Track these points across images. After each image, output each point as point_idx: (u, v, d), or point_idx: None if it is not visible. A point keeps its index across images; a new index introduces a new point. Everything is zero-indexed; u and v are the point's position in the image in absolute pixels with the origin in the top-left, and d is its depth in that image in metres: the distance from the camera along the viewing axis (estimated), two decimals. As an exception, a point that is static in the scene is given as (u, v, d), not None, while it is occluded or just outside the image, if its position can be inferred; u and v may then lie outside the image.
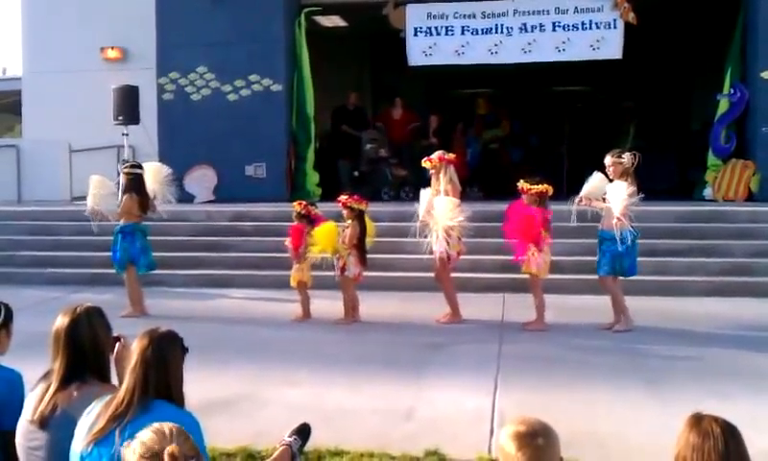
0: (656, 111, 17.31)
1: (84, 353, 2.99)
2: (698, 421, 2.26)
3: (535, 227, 7.60)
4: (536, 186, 7.71)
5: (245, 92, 13.71)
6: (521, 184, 7.78)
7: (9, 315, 3.35)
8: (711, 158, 12.98)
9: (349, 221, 8.02)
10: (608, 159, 7.62)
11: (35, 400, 2.93)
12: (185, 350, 2.90)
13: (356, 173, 14.36)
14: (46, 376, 3.02)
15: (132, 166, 9.08)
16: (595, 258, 7.85)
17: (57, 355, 3.00)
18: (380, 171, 14.23)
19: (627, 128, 15.62)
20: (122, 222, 8.79)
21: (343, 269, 7.99)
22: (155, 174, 9.33)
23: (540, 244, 7.67)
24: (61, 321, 3.04)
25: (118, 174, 12.93)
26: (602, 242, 7.62)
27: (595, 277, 7.86)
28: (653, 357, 6.82)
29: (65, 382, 2.93)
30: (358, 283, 8.20)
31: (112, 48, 16.41)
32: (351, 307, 8.12)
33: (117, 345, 3.15)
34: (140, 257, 8.71)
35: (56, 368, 2.98)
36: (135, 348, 2.78)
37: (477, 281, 9.59)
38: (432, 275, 8.29)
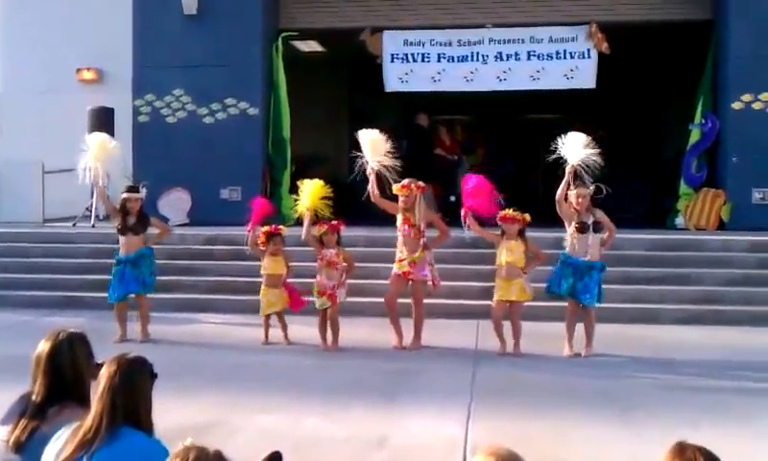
0: (629, 140, 17.51)
1: (65, 379, 2.96)
2: (682, 450, 2.26)
3: (485, 186, 7.78)
4: (526, 215, 7.79)
5: (221, 115, 13.69)
6: (507, 213, 7.82)
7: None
8: (683, 187, 13.14)
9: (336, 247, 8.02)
10: (573, 192, 7.68)
11: (10, 426, 2.89)
12: (154, 375, 2.87)
13: (453, 198, 14.13)
14: (21, 399, 2.98)
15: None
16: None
17: (36, 380, 2.96)
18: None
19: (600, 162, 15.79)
20: (148, 244, 8.62)
21: (335, 297, 7.94)
22: (100, 148, 8.60)
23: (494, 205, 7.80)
24: (43, 346, 3.00)
25: (92, 195, 12.94)
26: (588, 269, 7.66)
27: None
28: (626, 385, 6.85)
29: (44, 407, 2.89)
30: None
31: (88, 69, 16.35)
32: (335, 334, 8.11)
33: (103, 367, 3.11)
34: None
35: (35, 392, 2.94)
36: (103, 374, 2.76)
37: (452, 307, 9.59)
38: (402, 299, 8.27)
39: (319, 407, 6.08)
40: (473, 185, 7.94)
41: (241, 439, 5.35)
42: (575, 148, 7.70)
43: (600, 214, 7.79)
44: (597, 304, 7.79)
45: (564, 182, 7.70)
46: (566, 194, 7.71)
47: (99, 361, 3.12)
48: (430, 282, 8.07)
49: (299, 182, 8.39)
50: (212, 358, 7.80)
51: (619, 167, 15.85)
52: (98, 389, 2.69)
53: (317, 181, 8.17)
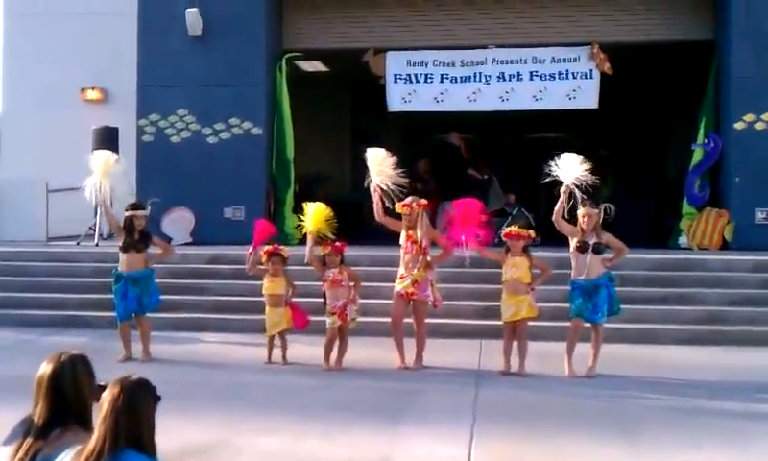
0: (632, 159, 17.54)
1: (67, 401, 2.95)
2: None
3: (474, 208, 7.83)
4: (530, 232, 7.83)
5: (225, 135, 13.74)
6: (511, 230, 7.87)
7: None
8: (686, 207, 13.15)
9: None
10: (581, 211, 7.72)
11: (12, 448, 2.88)
12: (157, 398, 2.87)
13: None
14: (23, 421, 2.98)
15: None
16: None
17: (38, 402, 2.96)
18: (522, 215, 13.98)
19: (605, 178, 15.79)
20: (149, 264, 8.65)
21: (345, 315, 7.96)
22: (104, 165, 8.58)
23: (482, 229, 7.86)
24: (45, 368, 3.00)
25: (95, 214, 12.99)
26: (596, 288, 7.68)
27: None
28: (629, 406, 6.83)
29: (46, 429, 2.89)
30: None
31: (93, 89, 16.46)
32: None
33: (106, 390, 3.10)
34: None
35: (37, 415, 2.94)
36: (106, 396, 2.75)
37: (453, 327, 9.59)
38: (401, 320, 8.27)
39: (321, 428, 6.06)
40: (463, 211, 7.95)
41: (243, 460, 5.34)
42: (569, 168, 7.74)
43: (607, 237, 7.80)
44: (615, 317, 7.82)
45: (559, 202, 7.73)
46: (564, 213, 7.74)
47: (101, 383, 3.12)
48: (431, 302, 8.08)
49: (303, 204, 8.42)
50: (214, 378, 7.80)
51: (622, 187, 15.92)
52: (101, 412, 2.69)
53: (320, 204, 8.20)
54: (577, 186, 7.65)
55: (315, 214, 8.11)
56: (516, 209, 14.21)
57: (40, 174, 14.67)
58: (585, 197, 7.73)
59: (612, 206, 7.81)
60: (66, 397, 2.95)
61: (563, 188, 7.72)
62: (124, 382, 2.79)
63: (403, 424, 6.21)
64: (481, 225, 7.94)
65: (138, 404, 2.75)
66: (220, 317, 10.35)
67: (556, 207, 7.74)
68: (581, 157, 7.85)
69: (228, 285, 11.00)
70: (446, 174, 14.14)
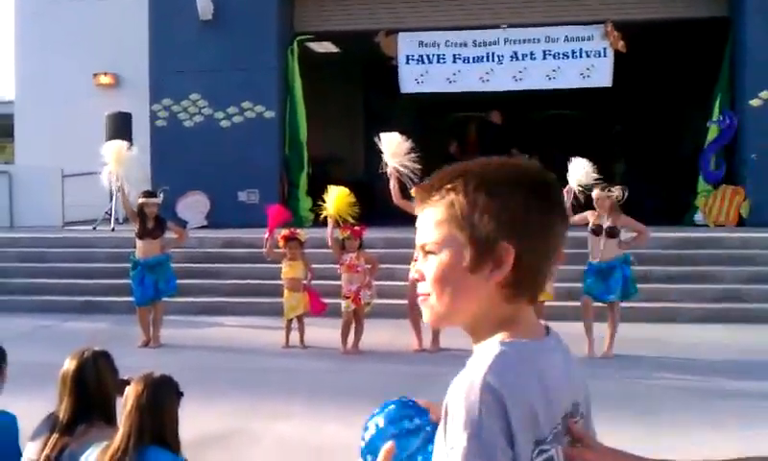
0: (646, 136, 17.43)
1: (90, 397, 2.99)
2: None
3: None
4: None
5: (237, 119, 13.75)
6: None
7: (2, 356, 3.35)
8: (702, 184, 13.08)
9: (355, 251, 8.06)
10: (596, 193, 7.70)
11: (39, 444, 2.93)
12: (180, 394, 2.90)
13: None
14: (48, 417, 3.02)
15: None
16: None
17: (63, 399, 3.00)
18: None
19: (617, 159, 15.76)
20: (166, 249, 8.71)
21: (359, 299, 7.98)
22: (117, 155, 8.65)
23: None
24: (68, 365, 3.04)
25: (110, 199, 13.04)
26: (611, 270, 7.66)
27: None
28: (646, 387, 6.84)
29: (71, 425, 2.93)
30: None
31: (105, 74, 16.49)
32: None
33: (127, 388, 3.14)
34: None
35: (62, 411, 2.97)
36: (130, 393, 2.79)
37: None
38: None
39: (338, 413, 6.08)
40: None
41: (263, 447, 5.38)
42: (577, 172, 7.81)
43: (625, 219, 7.76)
44: (630, 300, 7.85)
45: (567, 206, 7.78)
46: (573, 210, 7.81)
47: (125, 377, 3.16)
48: None
49: (326, 187, 8.38)
50: (232, 363, 7.84)
51: (637, 164, 15.84)
52: (125, 408, 2.72)
53: (342, 188, 8.20)
54: (582, 190, 7.71)
55: (337, 198, 8.11)
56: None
57: (55, 160, 14.75)
58: (599, 179, 7.74)
59: (626, 188, 7.76)
60: (90, 393, 2.99)
61: (566, 189, 7.74)
62: (147, 379, 2.82)
63: (421, 408, 6.23)
64: None
65: (162, 401, 2.78)
66: (236, 301, 10.39)
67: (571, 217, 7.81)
68: (591, 164, 7.84)
69: (243, 269, 11.04)
70: (488, 153, 14.02)
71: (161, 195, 9.02)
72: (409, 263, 8.29)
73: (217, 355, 8.15)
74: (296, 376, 7.35)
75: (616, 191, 7.66)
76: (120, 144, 8.90)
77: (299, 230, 8.62)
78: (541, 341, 1.40)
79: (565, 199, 7.78)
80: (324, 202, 8.24)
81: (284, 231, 8.47)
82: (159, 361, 7.49)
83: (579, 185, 7.78)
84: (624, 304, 8.02)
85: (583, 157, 8.02)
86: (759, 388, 6.76)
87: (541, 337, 1.41)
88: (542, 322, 1.47)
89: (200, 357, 7.97)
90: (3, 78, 17.57)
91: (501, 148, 13.79)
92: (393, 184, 8.13)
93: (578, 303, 8.30)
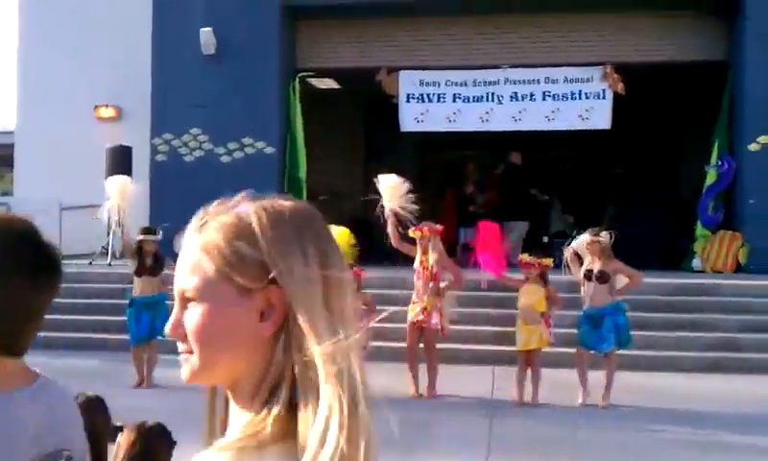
0: (644, 179, 17.47)
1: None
2: None
3: (496, 235, 7.82)
4: (543, 260, 7.80)
5: (238, 154, 13.79)
6: (524, 258, 7.85)
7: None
8: (700, 229, 13.08)
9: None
10: (585, 237, 7.71)
11: None
12: (173, 443, 2.86)
13: (546, 239, 13.89)
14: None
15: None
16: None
17: None
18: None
19: (614, 201, 15.79)
20: (163, 288, 8.59)
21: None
22: (120, 191, 8.66)
23: (503, 255, 7.84)
24: None
25: (108, 233, 13.04)
26: (602, 317, 7.64)
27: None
28: (642, 438, 6.78)
29: None
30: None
31: (106, 106, 16.52)
32: None
33: (119, 436, 3.09)
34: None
35: None
36: (122, 443, 2.75)
37: (468, 353, 9.55)
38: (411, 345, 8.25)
39: None
40: (484, 236, 7.97)
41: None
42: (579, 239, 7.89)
43: (616, 265, 7.75)
44: (624, 349, 7.84)
45: (572, 267, 7.89)
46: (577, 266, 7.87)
47: (118, 424, 3.12)
48: (440, 330, 8.06)
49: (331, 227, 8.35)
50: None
51: (635, 207, 15.85)
52: (116, 458, 2.68)
53: (344, 229, 8.18)
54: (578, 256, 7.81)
55: (337, 238, 8.06)
56: (576, 231, 14.19)
57: (54, 192, 14.75)
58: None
59: (614, 233, 7.77)
60: None
61: (567, 253, 7.86)
62: (140, 429, 2.78)
63: (419, 457, 6.17)
64: (501, 249, 7.94)
65: (154, 452, 2.74)
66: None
67: (573, 272, 7.89)
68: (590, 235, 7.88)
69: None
70: (509, 194, 14.03)
71: (161, 232, 8.98)
72: (407, 304, 8.32)
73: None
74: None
75: (604, 236, 7.66)
76: (124, 179, 8.90)
77: None
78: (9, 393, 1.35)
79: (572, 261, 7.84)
80: None
81: None
82: (152, 402, 7.44)
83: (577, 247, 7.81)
84: (620, 352, 7.98)
85: (580, 196, 8.09)
86: (755, 442, 6.71)
87: (10, 389, 1.37)
88: (36, 370, 1.47)
89: (193, 400, 7.78)
90: (4, 108, 17.61)
91: (521, 189, 13.88)
92: (390, 228, 8.13)
93: (573, 350, 8.28)
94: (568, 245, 7.92)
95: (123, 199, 8.61)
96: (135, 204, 8.90)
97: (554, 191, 15.55)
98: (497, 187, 14.78)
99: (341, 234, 8.12)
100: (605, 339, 7.66)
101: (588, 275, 7.69)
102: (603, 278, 7.64)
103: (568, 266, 7.84)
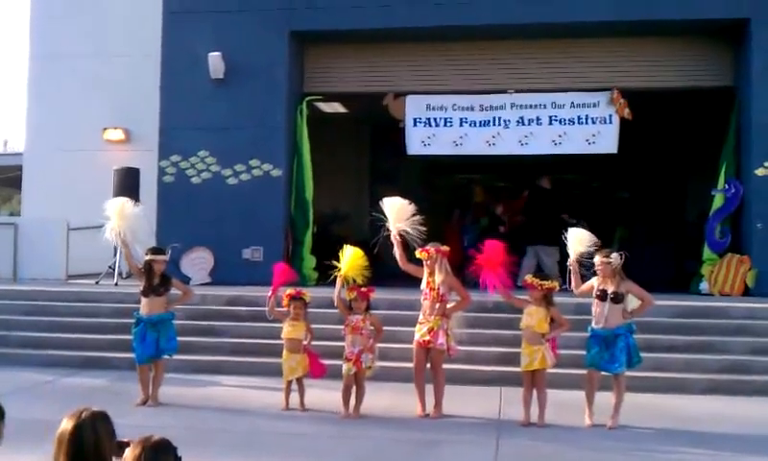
0: (652, 203, 17.49)
1: (87, 459, 2.95)
2: None
3: (500, 254, 7.84)
4: (545, 283, 7.78)
5: (245, 176, 13.85)
6: (529, 280, 7.84)
7: (1, 415, 3.31)
8: (707, 252, 13.06)
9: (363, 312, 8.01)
10: (596, 259, 7.71)
11: None
12: (178, 459, 2.86)
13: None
14: None
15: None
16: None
17: (58, 460, 2.95)
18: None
19: (621, 225, 15.77)
20: (170, 307, 8.65)
21: (360, 362, 7.91)
22: (120, 213, 8.64)
23: (504, 273, 7.86)
24: (65, 425, 3.00)
25: (115, 253, 13.09)
26: (615, 338, 7.61)
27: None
28: (652, 458, 6.73)
29: None
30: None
31: (114, 128, 16.65)
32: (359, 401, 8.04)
33: (126, 451, 3.09)
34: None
35: None
36: (128, 458, 2.75)
37: (474, 374, 9.51)
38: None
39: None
40: (489, 253, 7.95)
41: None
42: (576, 243, 7.86)
43: (629, 285, 7.72)
44: (634, 369, 7.80)
45: (573, 278, 7.89)
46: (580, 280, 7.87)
47: (123, 440, 3.11)
48: (446, 350, 8.05)
49: (344, 245, 8.32)
50: (231, 424, 7.73)
51: (642, 231, 15.85)
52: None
53: (358, 250, 8.19)
54: (580, 263, 7.79)
55: (351, 258, 8.10)
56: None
57: (62, 212, 14.82)
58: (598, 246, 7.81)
59: (624, 253, 7.76)
60: (86, 455, 2.94)
61: (569, 264, 7.86)
62: (145, 444, 2.78)
63: (423, 476, 6.14)
64: (505, 268, 7.93)
65: (161, 467, 2.74)
66: (238, 360, 10.32)
67: (572, 284, 7.89)
68: (588, 233, 7.93)
69: (245, 328, 10.99)
70: (540, 217, 14.04)
71: (170, 252, 9.00)
72: (413, 326, 8.31)
73: (216, 416, 8.05)
74: (296, 440, 7.25)
75: (615, 258, 7.64)
76: (123, 201, 8.92)
77: (304, 291, 8.60)
78: None
79: (572, 274, 7.84)
80: (336, 261, 8.16)
81: (290, 290, 8.44)
82: (157, 421, 7.42)
83: (579, 256, 7.79)
84: (628, 373, 7.93)
85: (587, 220, 8.08)
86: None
87: None
88: None
89: (198, 418, 7.88)
90: (13, 129, 17.75)
91: (551, 213, 13.87)
92: (397, 250, 8.15)
93: (581, 371, 8.23)
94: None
95: (122, 220, 8.62)
96: (138, 225, 8.88)
97: (582, 216, 15.53)
98: (522, 211, 14.84)
99: (355, 254, 8.14)
100: (617, 360, 7.62)
101: (603, 295, 7.66)
102: (617, 298, 7.62)
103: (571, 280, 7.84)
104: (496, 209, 15.60)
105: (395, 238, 8.14)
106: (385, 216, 8.29)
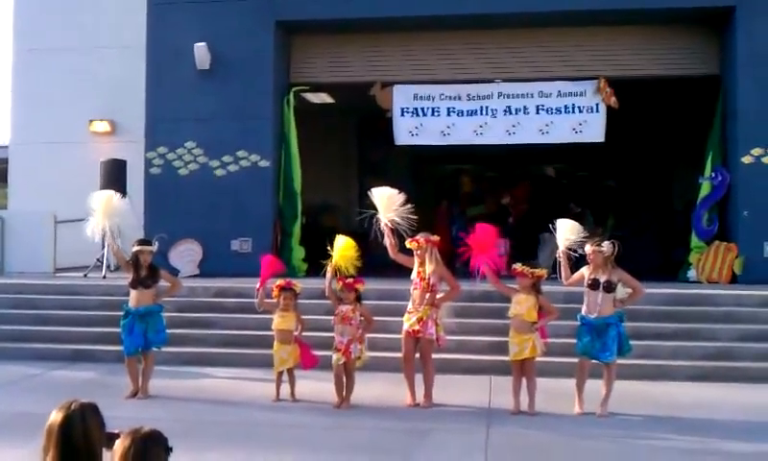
0: (639, 192, 17.56)
1: (77, 451, 2.93)
2: None
3: (492, 238, 7.87)
4: (535, 271, 7.79)
5: (233, 168, 13.80)
6: (518, 267, 7.84)
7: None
8: (695, 240, 13.14)
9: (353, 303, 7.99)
10: (588, 248, 7.72)
11: None
12: (169, 449, 2.85)
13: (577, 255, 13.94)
14: None
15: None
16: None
17: (48, 452, 2.94)
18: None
19: (609, 214, 15.80)
20: (158, 299, 8.60)
21: (349, 352, 7.90)
22: (106, 206, 8.56)
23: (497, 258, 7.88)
24: (55, 416, 2.99)
25: (102, 246, 13.01)
26: (606, 327, 7.64)
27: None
28: (639, 446, 6.78)
29: None
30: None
31: (101, 121, 16.56)
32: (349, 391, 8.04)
33: (116, 442, 3.07)
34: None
35: None
36: (117, 449, 2.74)
37: (464, 363, 9.54)
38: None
39: (331, 469, 6.01)
40: (479, 236, 7.97)
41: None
42: (564, 234, 7.87)
43: (621, 274, 7.74)
44: (624, 357, 7.83)
45: (563, 269, 7.85)
46: (569, 271, 7.86)
47: (113, 431, 3.10)
48: (435, 340, 8.06)
49: (336, 236, 8.30)
50: (221, 416, 7.73)
51: (629, 219, 15.91)
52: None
53: (350, 241, 8.17)
54: (570, 250, 7.78)
55: (341, 249, 8.08)
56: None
57: (48, 205, 14.72)
58: (593, 230, 7.80)
59: (616, 242, 7.77)
60: (76, 447, 2.93)
61: (558, 255, 7.84)
62: (135, 435, 2.77)
63: (414, 466, 6.16)
64: (495, 252, 7.94)
65: (149, 458, 2.73)
66: (227, 351, 10.31)
67: (562, 275, 7.86)
68: (576, 224, 7.95)
69: (234, 319, 10.97)
70: (545, 205, 14.08)
71: (157, 243, 8.95)
72: (402, 315, 8.32)
73: (206, 408, 8.05)
74: (287, 431, 7.25)
75: (606, 246, 7.66)
76: (108, 194, 8.84)
77: (294, 281, 8.58)
78: None
79: (562, 264, 7.83)
80: (327, 250, 8.13)
81: (279, 281, 8.43)
82: (147, 413, 7.41)
83: (568, 246, 7.80)
84: (618, 361, 7.97)
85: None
86: (751, 449, 6.71)
87: None
88: None
89: (189, 409, 7.87)
90: (-1, 122, 17.65)
91: (556, 202, 13.91)
92: (387, 240, 8.14)
93: (571, 359, 8.28)
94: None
95: (107, 215, 8.56)
96: (124, 217, 8.81)
97: (587, 204, 15.54)
98: (526, 199, 14.91)
99: (346, 244, 8.12)
100: (608, 349, 7.65)
101: (595, 284, 7.67)
102: (610, 287, 7.65)
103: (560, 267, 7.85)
104: (503, 199, 15.63)
105: (385, 227, 8.13)
106: (374, 206, 8.28)
